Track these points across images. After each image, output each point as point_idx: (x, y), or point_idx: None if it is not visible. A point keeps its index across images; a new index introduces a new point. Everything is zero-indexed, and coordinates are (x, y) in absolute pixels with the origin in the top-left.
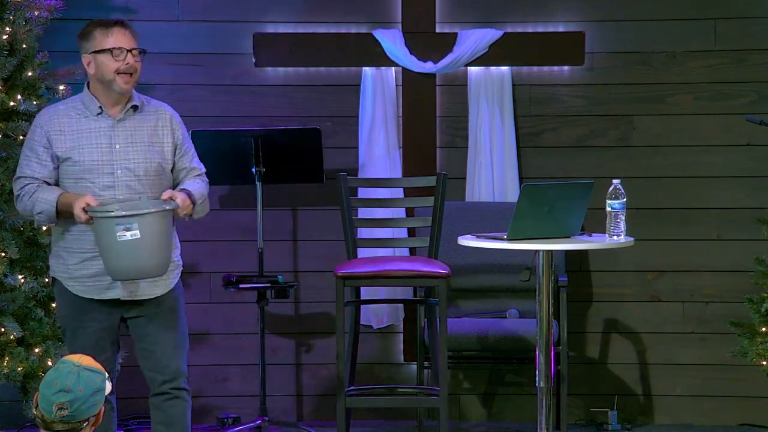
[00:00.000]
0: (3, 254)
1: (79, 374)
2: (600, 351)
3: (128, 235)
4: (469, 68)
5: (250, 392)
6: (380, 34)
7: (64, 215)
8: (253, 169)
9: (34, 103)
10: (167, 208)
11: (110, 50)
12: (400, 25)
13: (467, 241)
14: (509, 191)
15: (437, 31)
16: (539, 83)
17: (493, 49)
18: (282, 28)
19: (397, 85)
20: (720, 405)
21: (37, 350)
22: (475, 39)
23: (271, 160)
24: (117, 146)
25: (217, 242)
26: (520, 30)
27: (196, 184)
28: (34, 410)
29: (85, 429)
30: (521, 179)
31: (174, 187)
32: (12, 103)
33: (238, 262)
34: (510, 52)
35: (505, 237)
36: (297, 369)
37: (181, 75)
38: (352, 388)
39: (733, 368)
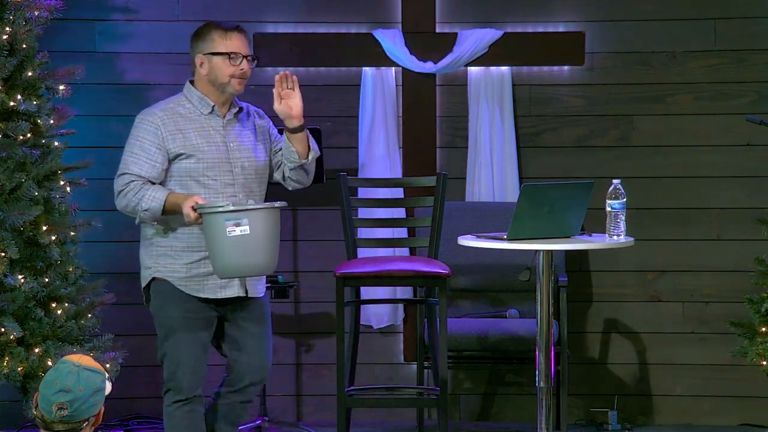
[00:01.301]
0: (3, 254)
1: (79, 374)
2: (600, 351)
3: (238, 230)
4: (469, 68)
5: None
6: (380, 34)
7: (167, 214)
8: None
9: (34, 103)
10: (277, 205)
11: (228, 54)
12: (400, 25)
13: (467, 241)
14: (509, 191)
15: (437, 31)
16: (539, 83)
17: (493, 49)
18: (282, 28)
19: (397, 85)
20: (720, 405)
21: (37, 350)
22: (475, 39)
23: None
24: (231, 144)
25: None
26: (520, 30)
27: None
28: (34, 410)
29: (85, 429)
30: (521, 179)
31: (275, 168)
32: (12, 103)
33: None
34: (510, 52)
35: (505, 237)
36: (297, 369)
37: (181, 75)
38: (352, 388)
39: (733, 368)
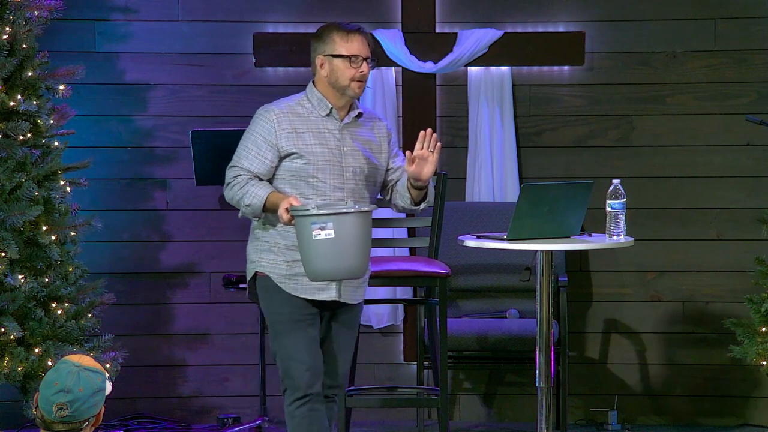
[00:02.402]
0: (3, 254)
1: (79, 374)
2: (600, 351)
3: (323, 234)
4: (469, 68)
5: (250, 392)
6: (380, 34)
7: (267, 212)
8: None
9: (34, 103)
10: (364, 209)
11: (348, 57)
12: (400, 25)
13: (467, 241)
14: (509, 191)
15: (437, 31)
16: (539, 83)
17: (493, 49)
18: (282, 28)
19: (397, 85)
20: (720, 405)
21: (37, 350)
22: (475, 39)
23: None
24: (345, 149)
25: (218, 242)
26: (520, 30)
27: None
28: (34, 410)
29: (86, 429)
30: (521, 179)
31: (385, 186)
32: (12, 103)
33: (239, 262)
34: (510, 52)
35: (505, 237)
36: None
37: (181, 75)
38: (352, 388)
39: (733, 368)
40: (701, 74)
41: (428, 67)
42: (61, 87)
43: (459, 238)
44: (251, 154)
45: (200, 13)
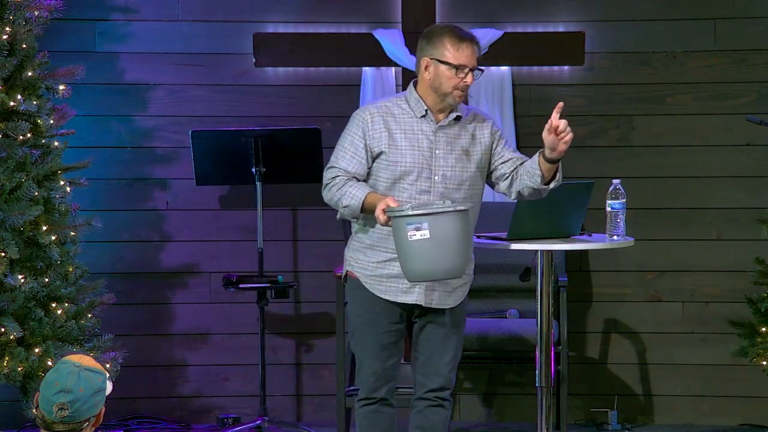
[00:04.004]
0: (3, 254)
1: (80, 374)
2: (600, 351)
3: (418, 234)
4: None
5: (250, 392)
6: (380, 34)
7: (366, 213)
8: (253, 169)
9: (34, 103)
10: (460, 209)
11: (455, 66)
12: (400, 25)
13: None
14: None
15: None
16: (539, 83)
17: (493, 49)
18: (282, 28)
19: (397, 85)
20: (720, 405)
21: (37, 350)
22: None
23: (271, 160)
24: (437, 151)
25: (218, 242)
26: (520, 30)
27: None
28: (34, 410)
29: (86, 429)
30: None
31: (500, 178)
32: (12, 103)
33: (238, 262)
34: (510, 52)
35: (505, 237)
36: (297, 369)
37: (181, 75)
38: (352, 388)
39: (733, 368)
40: (701, 74)
41: None
42: (61, 87)
43: None
44: (348, 154)
45: (200, 13)
